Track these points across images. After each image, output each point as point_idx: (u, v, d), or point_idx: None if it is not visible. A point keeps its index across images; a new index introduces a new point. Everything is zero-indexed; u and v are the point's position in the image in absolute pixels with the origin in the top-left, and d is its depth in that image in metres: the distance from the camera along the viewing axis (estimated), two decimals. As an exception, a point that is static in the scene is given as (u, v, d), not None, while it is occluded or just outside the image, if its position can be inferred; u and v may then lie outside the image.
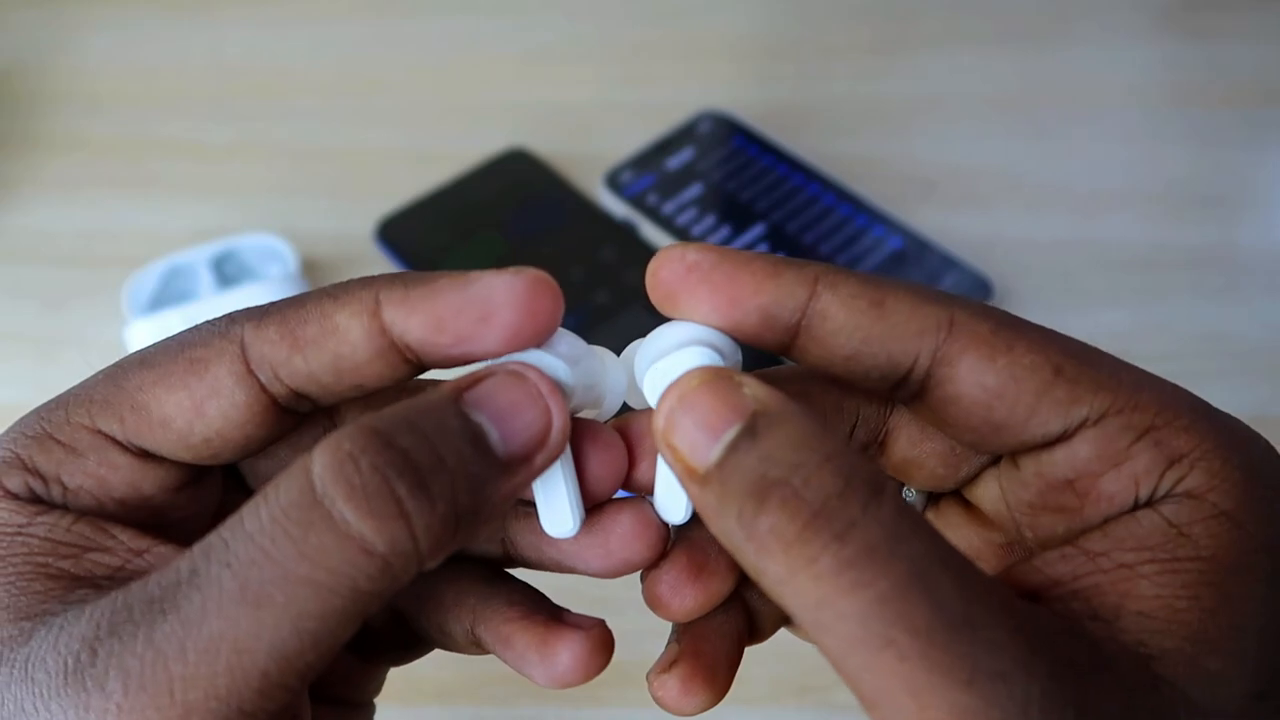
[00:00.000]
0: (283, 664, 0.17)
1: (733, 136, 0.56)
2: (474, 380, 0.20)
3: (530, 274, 0.20)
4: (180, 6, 0.65)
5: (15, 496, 0.20)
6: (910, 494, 0.25)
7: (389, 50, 0.63)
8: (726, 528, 0.18)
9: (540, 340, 0.21)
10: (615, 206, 0.53)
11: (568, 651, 0.22)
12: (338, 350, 0.20)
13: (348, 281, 0.21)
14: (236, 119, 0.59)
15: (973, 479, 0.23)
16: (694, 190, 0.54)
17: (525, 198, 0.54)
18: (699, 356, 0.20)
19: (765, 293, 0.20)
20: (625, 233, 0.52)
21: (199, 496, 0.22)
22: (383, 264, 0.51)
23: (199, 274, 0.49)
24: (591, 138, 0.57)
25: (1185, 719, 0.17)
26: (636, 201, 0.53)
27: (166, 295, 0.48)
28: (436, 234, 0.52)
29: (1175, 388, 0.20)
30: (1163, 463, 0.19)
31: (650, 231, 0.52)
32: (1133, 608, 0.18)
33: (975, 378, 0.20)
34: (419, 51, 0.63)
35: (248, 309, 0.21)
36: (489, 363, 0.21)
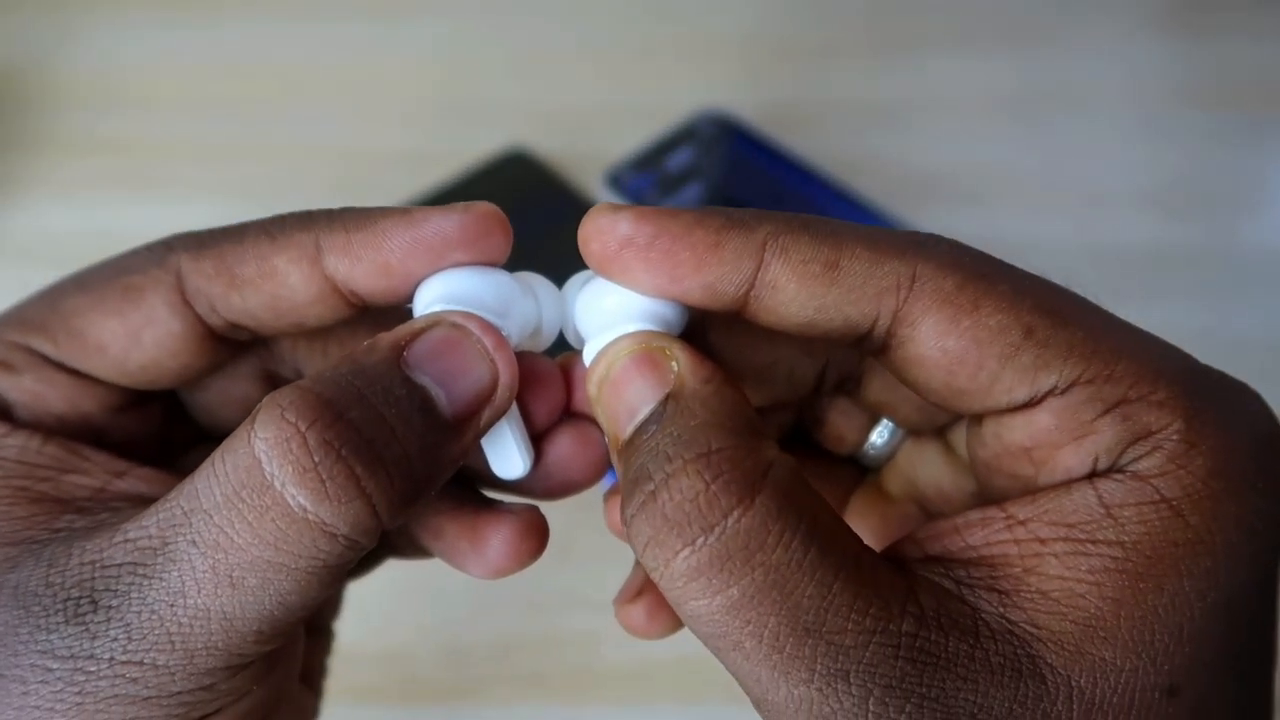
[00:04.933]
0: (274, 624, 0.18)
1: (733, 136, 0.56)
2: (413, 334, 0.19)
3: (480, 209, 0.20)
4: (180, 6, 0.65)
5: None
6: (889, 427, 0.24)
7: (389, 50, 0.63)
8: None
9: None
10: (615, 206, 0.53)
11: (498, 536, 0.22)
12: (276, 293, 0.20)
13: (285, 218, 0.20)
14: (236, 119, 0.59)
15: (950, 425, 0.23)
16: (694, 190, 0.54)
17: (525, 198, 0.54)
18: (638, 332, 0.20)
19: (708, 268, 0.19)
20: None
21: (141, 419, 0.22)
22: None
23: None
24: (591, 138, 0.57)
25: (1065, 708, 0.17)
26: (637, 201, 0.53)
27: (166, 295, 0.48)
28: (436, 234, 0.52)
29: (1164, 353, 0.19)
30: (1127, 439, 0.18)
31: (650, 231, 0.52)
32: (1033, 585, 0.17)
33: (936, 340, 0.18)
34: (419, 51, 0.63)
35: (185, 236, 0.21)
36: (429, 309, 0.20)
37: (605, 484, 0.24)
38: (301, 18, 0.65)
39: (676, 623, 0.22)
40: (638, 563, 0.23)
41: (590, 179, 0.54)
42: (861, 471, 0.26)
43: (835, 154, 0.56)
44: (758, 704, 0.18)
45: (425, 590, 0.41)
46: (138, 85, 0.61)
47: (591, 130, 0.58)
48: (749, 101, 0.59)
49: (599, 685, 0.39)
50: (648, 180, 0.54)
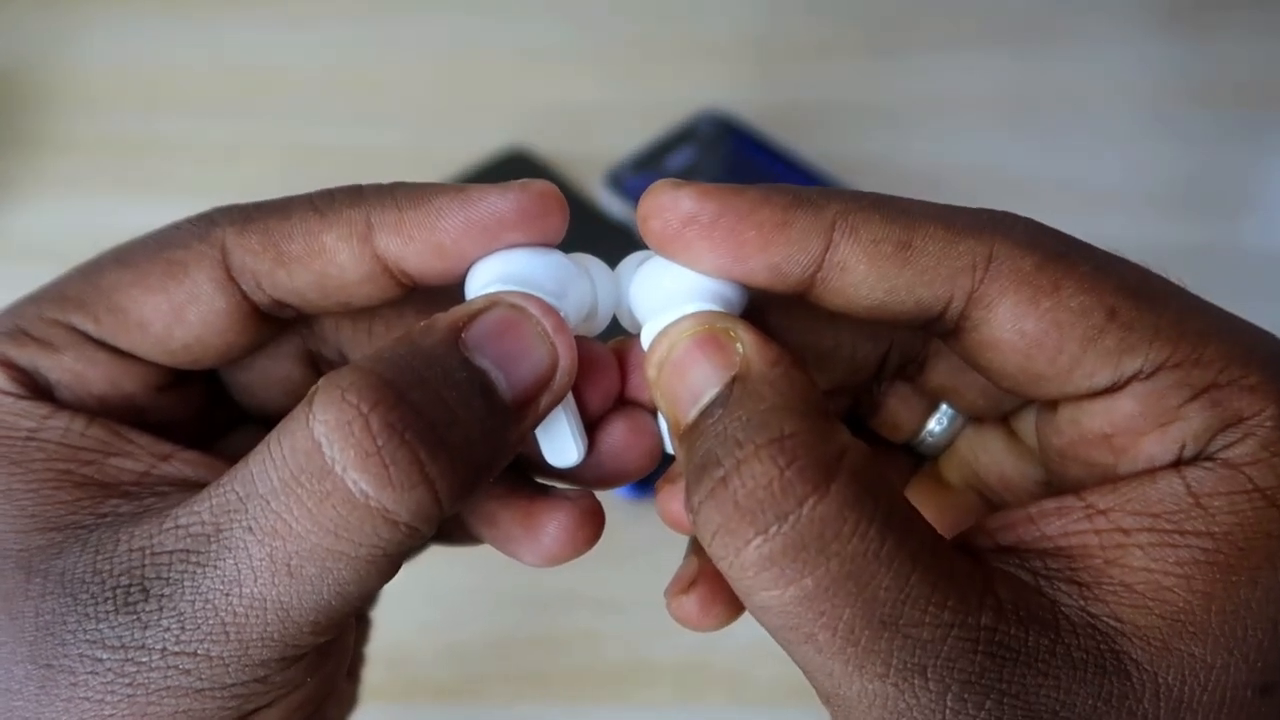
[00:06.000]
0: (331, 614, 0.17)
1: (733, 136, 0.56)
2: (471, 315, 0.18)
3: (537, 188, 0.19)
4: (180, 6, 0.65)
5: (11, 394, 0.19)
6: (949, 413, 0.24)
7: (389, 50, 0.63)
8: (687, 497, 0.17)
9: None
10: (615, 206, 0.53)
11: (553, 523, 0.21)
12: (324, 270, 0.19)
13: (333, 192, 0.20)
14: (236, 119, 0.59)
15: (1015, 411, 0.22)
16: (694, 190, 0.54)
17: (525, 198, 0.54)
18: (700, 312, 0.19)
19: (774, 248, 0.18)
20: (625, 233, 0.52)
21: (182, 399, 0.22)
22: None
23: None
24: (591, 138, 0.57)
25: (1152, 705, 0.16)
26: (637, 201, 0.53)
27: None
28: (436, 234, 0.52)
29: (1254, 336, 0.18)
30: (1216, 426, 0.17)
31: (650, 231, 0.52)
32: (1116, 578, 0.17)
33: (1014, 323, 0.18)
34: (419, 51, 0.63)
35: (229, 209, 0.20)
36: (484, 290, 0.19)
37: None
38: (301, 18, 0.65)
39: (731, 614, 0.21)
40: (689, 552, 0.22)
41: (590, 179, 0.54)
42: (916, 460, 0.25)
43: (835, 154, 0.56)
44: (827, 698, 0.17)
45: (425, 589, 0.41)
46: (137, 85, 0.61)
47: (591, 130, 0.58)
48: (749, 101, 0.58)
49: (599, 685, 0.39)
50: (648, 180, 0.54)
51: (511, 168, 0.55)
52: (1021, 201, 0.63)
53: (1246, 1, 0.64)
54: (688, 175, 0.54)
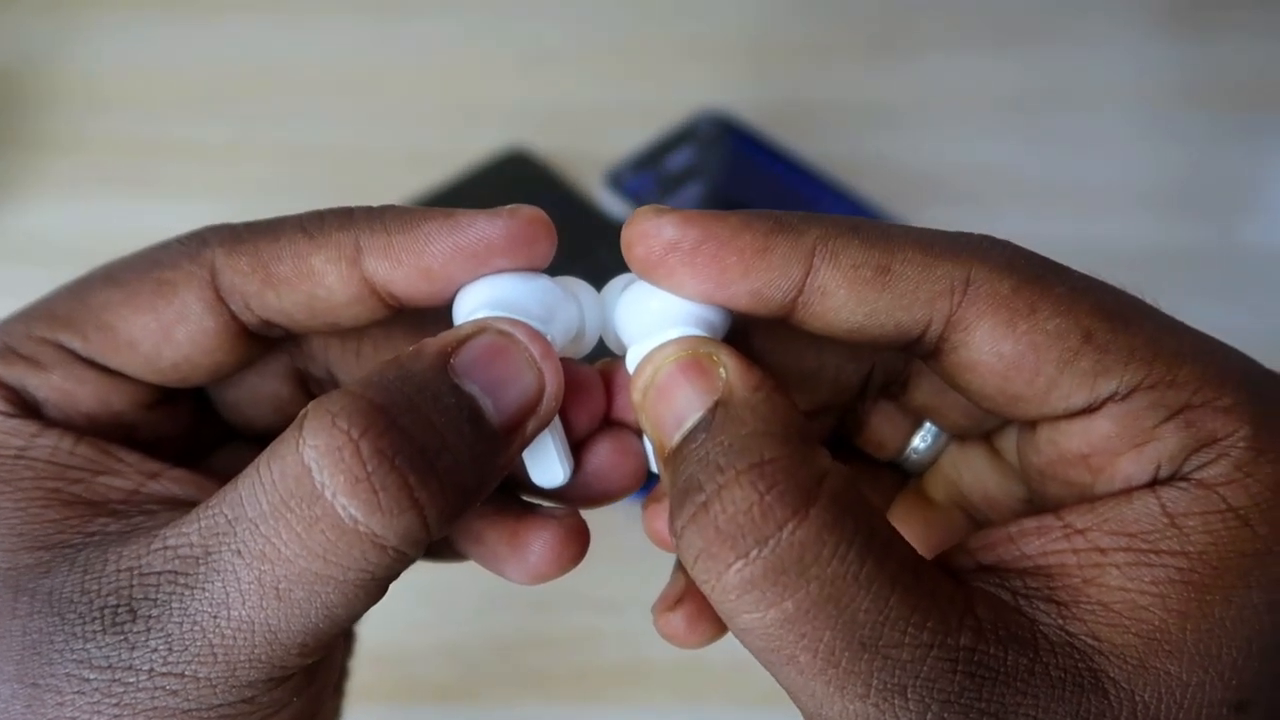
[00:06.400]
0: (318, 637, 0.18)
1: (732, 136, 0.56)
2: (459, 341, 0.19)
3: (525, 214, 0.19)
4: (180, 6, 0.65)
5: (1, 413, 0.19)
6: (933, 431, 0.24)
7: (388, 50, 0.63)
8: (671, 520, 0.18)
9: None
10: (615, 206, 0.53)
11: (539, 541, 0.21)
12: (312, 292, 0.20)
13: (323, 214, 0.20)
14: (236, 119, 0.59)
15: (998, 429, 0.23)
16: (694, 190, 0.54)
17: (524, 198, 0.53)
18: (684, 337, 0.19)
19: (755, 273, 0.18)
20: (625, 233, 0.52)
21: (170, 417, 0.22)
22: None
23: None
24: (591, 138, 0.57)
25: None
26: (636, 201, 0.53)
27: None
28: (436, 234, 0.52)
29: (1228, 357, 0.18)
30: (1191, 446, 0.17)
31: (650, 231, 0.52)
32: (1094, 597, 0.17)
33: (991, 345, 0.18)
34: (418, 51, 0.63)
35: (219, 228, 0.20)
36: (472, 315, 0.20)
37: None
38: (302, 17, 0.65)
39: (717, 631, 0.22)
40: (676, 570, 0.22)
41: (590, 179, 0.54)
42: (902, 477, 0.25)
43: (835, 154, 0.56)
44: (810, 719, 0.17)
45: (423, 589, 0.41)
46: (137, 85, 0.61)
47: (591, 130, 0.58)
48: (749, 101, 0.58)
49: (599, 685, 0.39)
50: (648, 180, 0.54)
51: (511, 168, 0.55)
52: (1021, 201, 0.63)
53: (1246, 1, 0.64)
54: (687, 175, 0.54)
